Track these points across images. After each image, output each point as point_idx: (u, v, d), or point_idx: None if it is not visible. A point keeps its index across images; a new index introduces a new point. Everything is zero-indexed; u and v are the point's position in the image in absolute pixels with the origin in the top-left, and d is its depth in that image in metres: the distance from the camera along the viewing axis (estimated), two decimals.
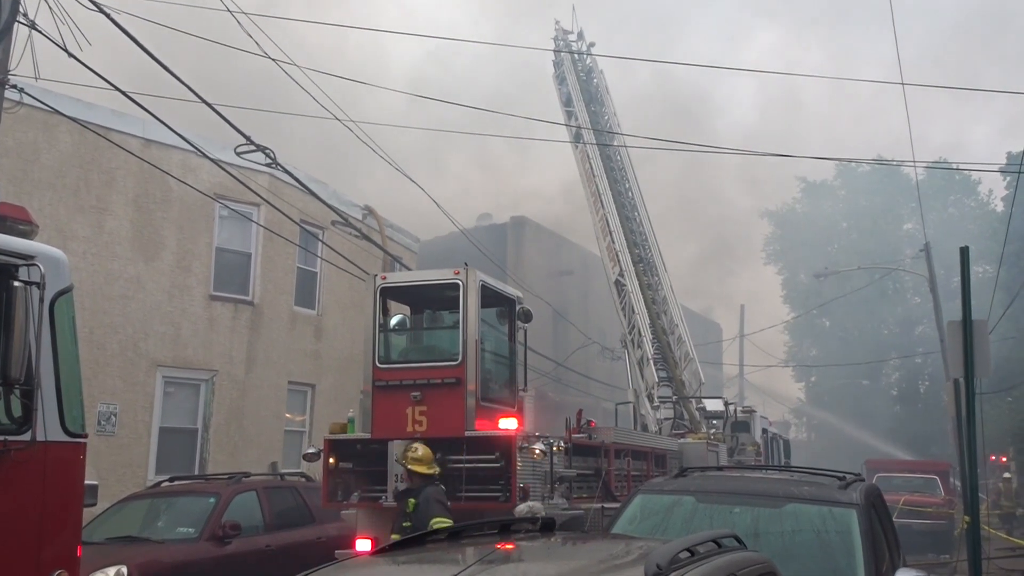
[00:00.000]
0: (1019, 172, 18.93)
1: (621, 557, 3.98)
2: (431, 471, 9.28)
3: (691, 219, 65.41)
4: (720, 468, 11.67)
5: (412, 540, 4.13)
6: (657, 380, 17.87)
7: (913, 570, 6.48)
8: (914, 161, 30.57)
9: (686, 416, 18.50)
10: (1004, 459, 34.46)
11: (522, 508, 8.57)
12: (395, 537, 9.09)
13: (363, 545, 10.10)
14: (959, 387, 13.75)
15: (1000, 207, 44.53)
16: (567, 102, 22.36)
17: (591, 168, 20.62)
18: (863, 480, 7.31)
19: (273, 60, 13.51)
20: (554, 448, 10.25)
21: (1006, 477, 29.28)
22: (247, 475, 12.91)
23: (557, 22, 24.23)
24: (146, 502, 12.09)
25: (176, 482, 12.98)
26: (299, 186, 15.90)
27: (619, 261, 19.14)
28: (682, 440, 15.93)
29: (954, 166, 38.84)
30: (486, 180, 56.47)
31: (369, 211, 22.38)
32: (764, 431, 21.26)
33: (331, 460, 10.62)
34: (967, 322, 11.09)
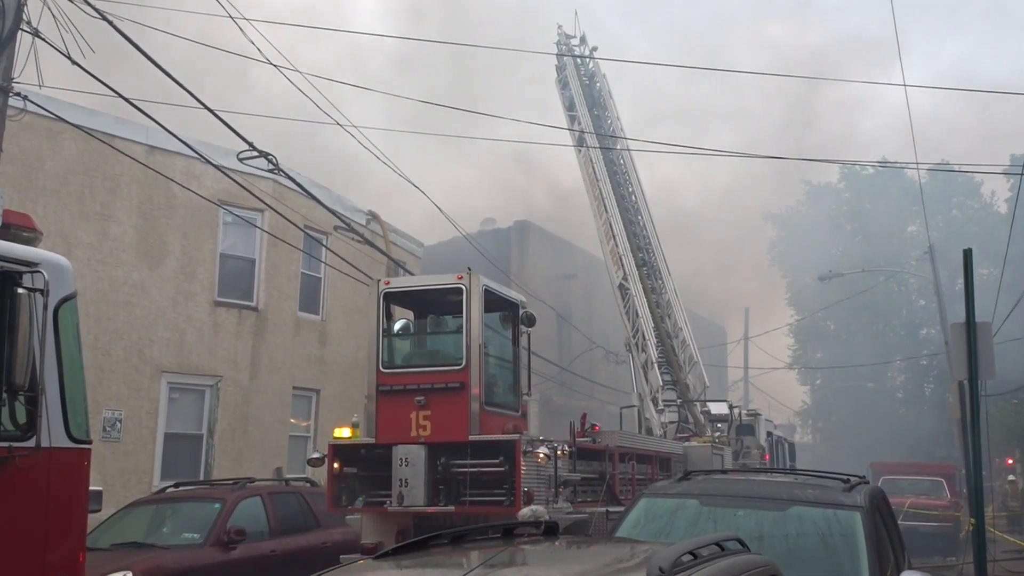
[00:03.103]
0: (1022, 174, 18.91)
1: (625, 560, 3.98)
2: None
3: (694, 222, 65.39)
4: (724, 471, 11.65)
5: (415, 544, 4.13)
6: (661, 384, 17.84)
7: (918, 572, 6.46)
8: (917, 163, 30.47)
9: (690, 419, 18.48)
10: (1011, 461, 34.41)
11: (525, 512, 8.57)
12: None
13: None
14: (964, 389, 13.73)
15: (1004, 209, 44.47)
16: (570, 106, 22.40)
17: (594, 172, 20.63)
18: (867, 483, 7.30)
19: (276, 67, 13.56)
20: (558, 452, 10.25)
21: (1011, 480, 29.21)
22: (252, 480, 12.92)
23: (559, 26, 24.30)
24: (151, 508, 12.11)
25: (181, 488, 12.99)
26: (302, 192, 15.94)
27: (623, 265, 19.14)
28: (686, 443, 15.92)
29: (957, 168, 38.74)
30: (490, 184, 56.52)
31: (372, 216, 22.40)
32: (769, 434, 21.19)
33: (335, 465, 10.64)
34: (971, 324, 11.10)
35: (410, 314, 11.83)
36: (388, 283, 11.38)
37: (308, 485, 13.57)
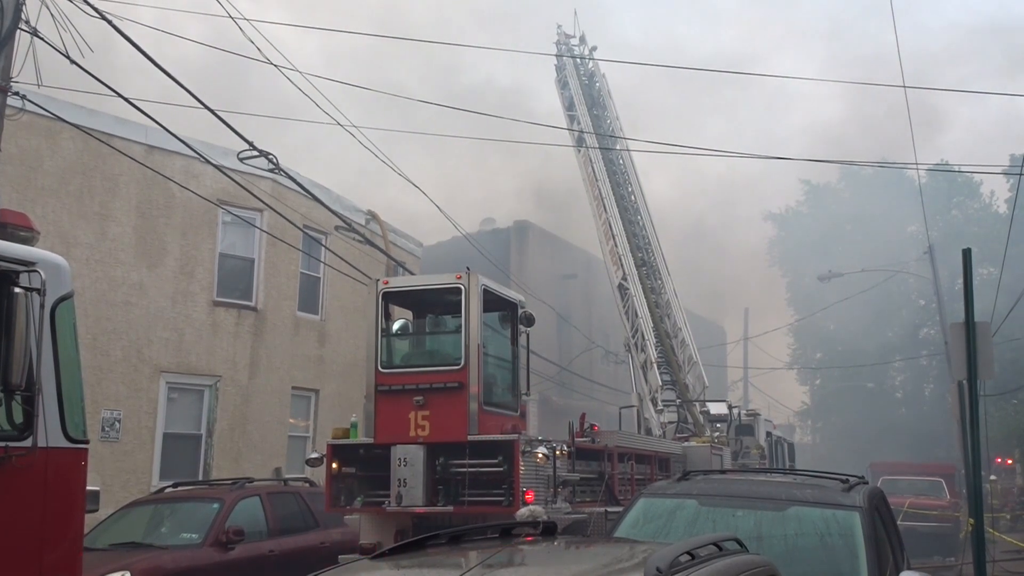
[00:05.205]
0: (1020, 175, 18.92)
1: (623, 560, 3.97)
2: None
3: (694, 223, 65.40)
4: (723, 471, 11.65)
5: (413, 544, 4.12)
6: (661, 384, 17.84)
7: (917, 573, 6.45)
8: (916, 163, 30.45)
9: (690, 419, 18.48)
10: (1011, 461, 34.42)
11: (523, 512, 8.56)
12: None
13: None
14: (963, 389, 13.73)
15: (1003, 209, 44.46)
16: (569, 106, 22.41)
17: (594, 172, 20.64)
18: (867, 483, 7.29)
19: (275, 66, 13.55)
20: (557, 452, 10.24)
21: (991, 480, 29.26)
22: (251, 480, 12.92)
23: (559, 26, 24.32)
24: (150, 508, 12.10)
25: (180, 488, 12.98)
26: (302, 191, 15.93)
27: (622, 265, 19.14)
28: (686, 444, 15.91)
29: (956, 168, 38.75)
30: (489, 185, 56.53)
31: (372, 216, 22.38)
32: (768, 434, 21.19)
33: (334, 465, 10.63)
34: (970, 324, 11.09)
35: (409, 314, 11.82)
36: (387, 283, 11.36)
37: (307, 485, 13.55)
